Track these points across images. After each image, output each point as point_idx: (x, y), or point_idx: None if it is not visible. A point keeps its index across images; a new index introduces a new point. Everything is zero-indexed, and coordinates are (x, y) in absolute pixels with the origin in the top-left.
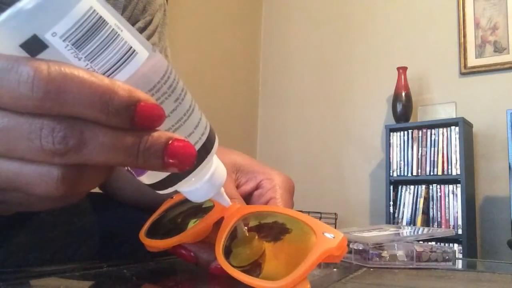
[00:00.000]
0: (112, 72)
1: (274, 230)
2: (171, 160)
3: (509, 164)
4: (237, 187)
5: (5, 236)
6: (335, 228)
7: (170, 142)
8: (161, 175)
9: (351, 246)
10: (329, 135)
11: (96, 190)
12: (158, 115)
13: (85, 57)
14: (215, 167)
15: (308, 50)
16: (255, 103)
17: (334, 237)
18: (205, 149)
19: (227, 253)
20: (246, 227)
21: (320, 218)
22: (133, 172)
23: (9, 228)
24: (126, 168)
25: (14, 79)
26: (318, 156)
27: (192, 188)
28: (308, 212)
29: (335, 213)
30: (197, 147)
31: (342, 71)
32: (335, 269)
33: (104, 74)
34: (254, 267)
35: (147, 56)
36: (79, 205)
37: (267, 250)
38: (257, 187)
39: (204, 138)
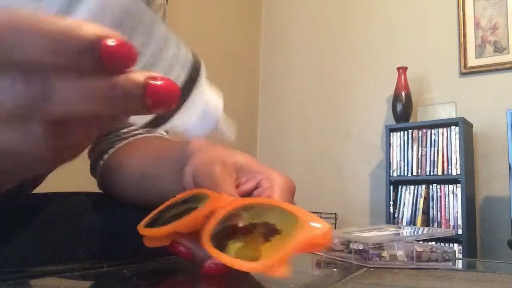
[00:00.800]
0: (67, 10)
1: (262, 219)
2: (153, 102)
3: (509, 164)
4: (237, 186)
5: (5, 236)
6: (335, 228)
7: (148, 81)
8: (150, 115)
9: (351, 246)
10: (329, 135)
11: (96, 190)
12: (127, 53)
13: None
14: (209, 98)
15: (308, 50)
16: (255, 103)
17: (320, 227)
18: (191, 79)
19: (215, 240)
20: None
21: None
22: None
23: (9, 228)
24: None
25: None
26: (318, 156)
27: (189, 121)
28: None
29: (335, 213)
30: (181, 79)
31: (342, 71)
32: (335, 269)
33: (56, 14)
34: (223, 243)
35: None
36: (79, 205)
37: (255, 236)
38: (256, 187)
39: (186, 68)
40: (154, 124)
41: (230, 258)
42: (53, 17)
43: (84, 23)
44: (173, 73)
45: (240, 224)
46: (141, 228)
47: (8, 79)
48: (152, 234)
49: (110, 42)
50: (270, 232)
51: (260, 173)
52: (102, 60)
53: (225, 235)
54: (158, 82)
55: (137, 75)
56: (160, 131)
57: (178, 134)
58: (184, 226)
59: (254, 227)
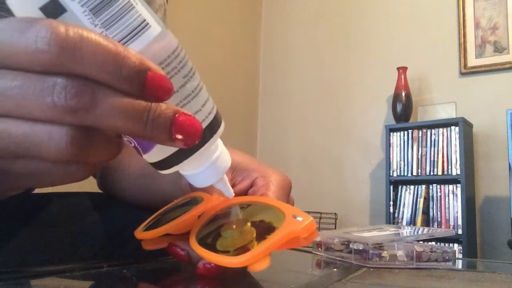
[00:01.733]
0: (126, 42)
1: (248, 216)
2: (178, 133)
3: (509, 164)
4: (233, 186)
5: (5, 236)
6: (335, 228)
7: (177, 115)
8: (165, 153)
9: (351, 246)
10: (329, 135)
11: (96, 190)
12: (167, 87)
13: (101, 24)
14: (219, 152)
15: (308, 50)
16: (255, 103)
17: (301, 220)
18: (211, 130)
19: (204, 239)
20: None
21: (320, 218)
22: (139, 149)
23: (9, 228)
24: (132, 144)
25: (32, 36)
26: (318, 156)
27: (196, 171)
28: (308, 212)
29: (335, 213)
30: (203, 125)
31: (342, 71)
32: (335, 269)
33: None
34: (225, 247)
35: (159, 31)
36: (79, 205)
37: (240, 233)
38: (251, 185)
39: (210, 118)
40: (163, 165)
41: (212, 254)
42: (116, 42)
43: (138, 54)
44: (199, 116)
45: (228, 223)
46: (137, 233)
47: (64, 82)
48: (147, 237)
49: (155, 75)
50: (256, 228)
51: (255, 171)
52: (145, 87)
53: (214, 234)
54: (187, 118)
55: (170, 107)
56: (166, 173)
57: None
58: (176, 228)
59: (241, 224)
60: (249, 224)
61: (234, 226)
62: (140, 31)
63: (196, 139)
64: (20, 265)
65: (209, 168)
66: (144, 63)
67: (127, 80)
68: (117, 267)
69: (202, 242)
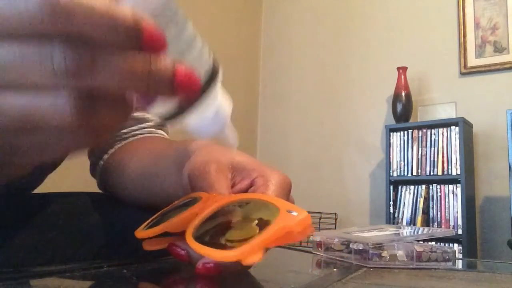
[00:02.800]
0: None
1: (244, 212)
2: (179, 83)
3: (509, 164)
4: (233, 185)
5: (5, 236)
6: (335, 228)
7: (176, 66)
8: (168, 105)
9: (351, 246)
10: (329, 135)
11: (96, 190)
12: (161, 38)
13: None
14: (220, 98)
15: (308, 50)
16: (255, 103)
17: (296, 215)
18: (210, 77)
19: (202, 236)
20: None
21: (320, 218)
22: (144, 105)
23: (9, 228)
24: (135, 100)
25: (22, 1)
26: (318, 156)
27: (200, 119)
28: (308, 212)
29: (335, 213)
30: (202, 73)
31: (342, 71)
32: (335, 269)
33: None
34: (216, 239)
35: None
36: (79, 205)
37: (235, 229)
38: (251, 185)
39: (207, 65)
40: (170, 118)
41: (206, 248)
42: (109, 1)
43: (132, 10)
44: (195, 69)
45: (225, 220)
46: (137, 232)
47: (62, 46)
48: (146, 236)
49: (151, 27)
50: (252, 224)
51: (254, 171)
52: (143, 40)
53: (212, 231)
54: (186, 69)
55: (168, 59)
56: (175, 125)
57: (188, 133)
58: (174, 226)
59: (238, 221)
60: (255, 222)
61: (238, 225)
62: None
63: (196, 88)
64: (20, 265)
65: (213, 115)
66: (138, 18)
67: (124, 36)
68: (117, 267)
69: (198, 238)
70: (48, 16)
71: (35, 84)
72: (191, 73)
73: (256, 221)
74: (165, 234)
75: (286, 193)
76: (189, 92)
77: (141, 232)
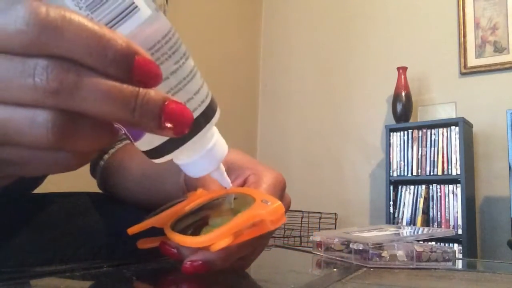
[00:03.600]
0: (112, 25)
1: (225, 206)
2: (167, 121)
3: (509, 164)
4: None
5: (5, 236)
6: (335, 228)
7: (167, 102)
8: (157, 141)
9: (351, 246)
10: (329, 135)
11: (96, 190)
12: (155, 72)
13: (86, 6)
14: (215, 141)
15: (308, 50)
16: (255, 103)
17: (268, 204)
18: (205, 118)
19: (178, 225)
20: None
21: (320, 218)
22: (130, 137)
23: (9, 228)
24: (123, 132)
25: (11, 16)
26: (318, 156)
27: (190, 160)
28: (308, 212)
29: (335, 213)
30: (196, 114)
31: (342, 71)
32: (335, 269)
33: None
34: (199, 231)
35: (149, 14)
36: (79, 205)
37: (213, 218)
38: (244, 183)
39: (204, 106)
40: (155, 153)
41: (179, 236)
42: (101, 24)
43: (127, 38)
44: (190, 105)
45: (206, 214)
46: (129, 229)
47: (46, 63)
48: (135, 231)
49: (143, 59)
50: (230, 215)
51: (248, 169)
52: (133, 71)
53: (195, 224)
54: (177, 106)
55: (159, 93)
56: (162, 161)
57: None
58: (160, 221)
59: (217, 214)
60: (232, 213)
61: (218, 217)
62: (128, 14)
63: (186, 128)
64: (20, 265)
65: (204, 157)
66: (131, 46)
67: (113, 63)
68: (117, 267)
69: (176, 229)
70: (34, 32)
71: (14, 99)
72: (183, 110)
73: (234, 213)
74: (160, 234)
75: (279, 191)
76: (178, 130)
77: (132, 228)
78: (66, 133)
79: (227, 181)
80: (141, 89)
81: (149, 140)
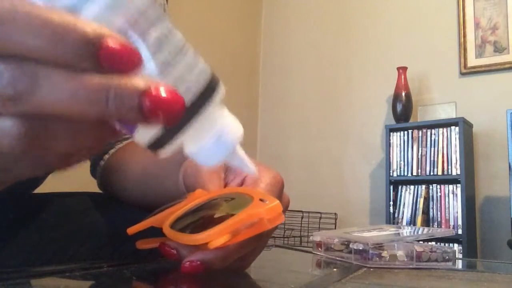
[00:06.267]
0: (75, 7)
1: (224, 205)
2: (152, 109)
3: (509, 164)
4: (225, 184)
5: (5, 236)
6: (335, 228)
7: (148, 88)
8: (152, 132)
9: (351, 246)
10: (329, 135)
11: (96, 190)
12: (129, 56)
13: None
14: (223, 122)
15: (308, 50)
16: (255, 103)
17: (266, 203)
18: (205, 96)
19: (176, 225)
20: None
21: (320, 218)
22: (127, 132)
23: (10, 228)
24: (117, 127)
25: None
26: (318, 156)
27: (198, 146)
28: (308, 212)
29: (335, 213)
30: (192, 94)
31: (342, 71)
32: (335, 269)
33: (64, 9)
34: (197, 231)
35: None
36: (79, 205)
37: (213, 218)
38: (242, 183)
39: (201, 84)
40: (156, 145)
41: (177, 234)
42: (56, 10)
43: (88, 21)
44: (183, 86)
45: (205, 214)
46: (128, 229)
47: None
48: (134, 230)
49: (111, 42)
50: (229, 214)
51: None
52: (100, 59)
53: (194, 223)
54: (161, 91)
55: (138, 80)
56: (166, 154)
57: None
58: (158, 221)
59: (217, 213)
60: (231, 212)
61: (217, 216)
62: None
63: (177, 113)
64: (20, 265)
65: (214, 142)
66: (96, 30)
67: (75, 53)
68: (117, 267)
69: (175, 228)
70: None
71: None
72: (170, 93)
73: (233, 212)
74: (159, 234)
75: (277, 190)
76: (169, 117)
77: (131, 228)
78: (35, 139)
79: (249, 167)
80: (113, 78)
81: (145, 132)
